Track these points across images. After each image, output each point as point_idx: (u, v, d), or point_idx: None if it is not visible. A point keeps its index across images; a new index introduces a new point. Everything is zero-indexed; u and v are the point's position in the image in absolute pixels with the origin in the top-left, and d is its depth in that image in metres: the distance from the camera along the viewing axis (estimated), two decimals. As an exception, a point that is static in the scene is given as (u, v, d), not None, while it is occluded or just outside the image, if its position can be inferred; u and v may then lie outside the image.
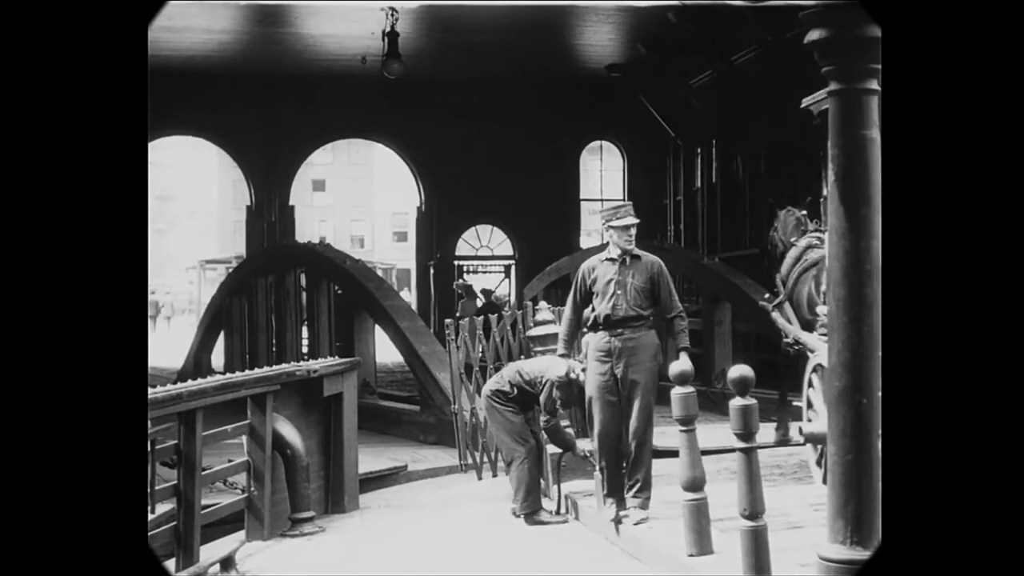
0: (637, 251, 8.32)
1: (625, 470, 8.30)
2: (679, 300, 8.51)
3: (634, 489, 8.24)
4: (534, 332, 10.49)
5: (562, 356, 8.62)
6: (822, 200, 8.54)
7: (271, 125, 26.35)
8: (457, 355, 11.87)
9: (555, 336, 10.19)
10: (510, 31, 21.00)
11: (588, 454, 9.04)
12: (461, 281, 24.14)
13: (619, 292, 8.19)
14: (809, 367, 8.80)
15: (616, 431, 8.20)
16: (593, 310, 8.26)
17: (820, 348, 8.35)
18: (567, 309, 8.55)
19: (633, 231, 8.30)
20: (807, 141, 18.22)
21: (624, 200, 8.03)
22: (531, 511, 9.16)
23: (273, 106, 26.04)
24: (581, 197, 29.27)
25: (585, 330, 8.95)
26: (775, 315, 10.11)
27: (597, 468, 8.52)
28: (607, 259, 8.32)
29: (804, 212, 10.93)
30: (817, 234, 9.84)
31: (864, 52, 5.36)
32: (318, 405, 10.66)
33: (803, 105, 8.99)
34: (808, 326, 9.65)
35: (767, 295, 10.81)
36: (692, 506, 7.15)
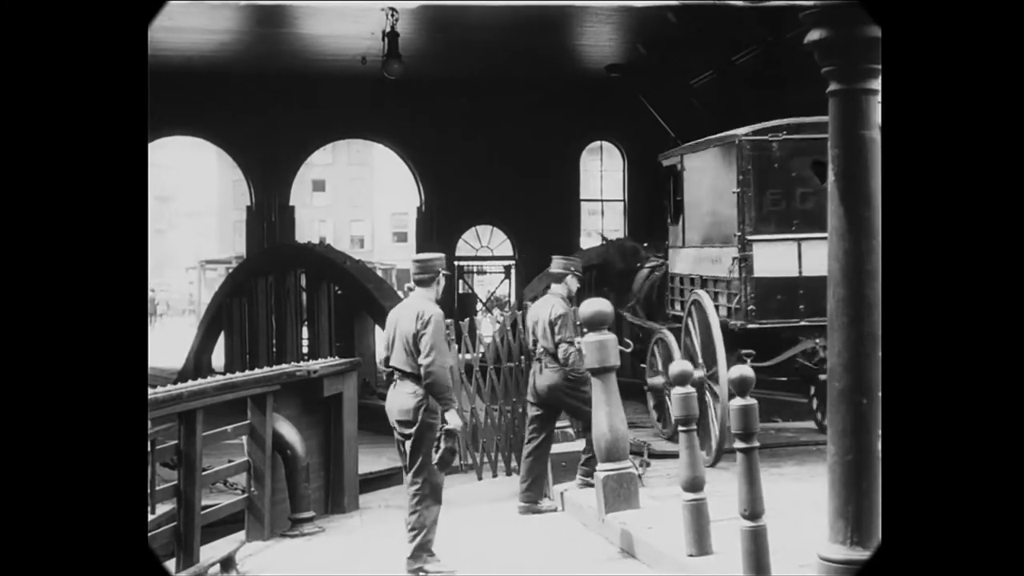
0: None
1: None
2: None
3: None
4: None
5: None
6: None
7: (271, 125, 26.32)
8: (457, 355, 11.86)
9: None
10: (510, 31, 20.98)
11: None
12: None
13: None
14: (653, 340, 11.36)
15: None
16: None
17: (661, 329, 11.56)
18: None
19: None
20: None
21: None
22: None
23: (273, 106, 26.02)
24: (581, 197, 29.25)
25: (585, 330, 8.99)
26: (628, 315, 13.44)
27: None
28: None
29: (645, 244, 15.96)
30: (654, 261, 14.46)
31: (864, 52, 5.37)
32: (318, 405, 10.67)
33: (659, 159, 12.00)
34: (653, 318, 13.45)
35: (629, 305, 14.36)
36: (692, 506, 7.16)
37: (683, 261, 12.70)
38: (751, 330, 10.89)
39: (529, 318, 10.03)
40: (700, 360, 10.69)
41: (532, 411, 9.84)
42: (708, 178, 12.25)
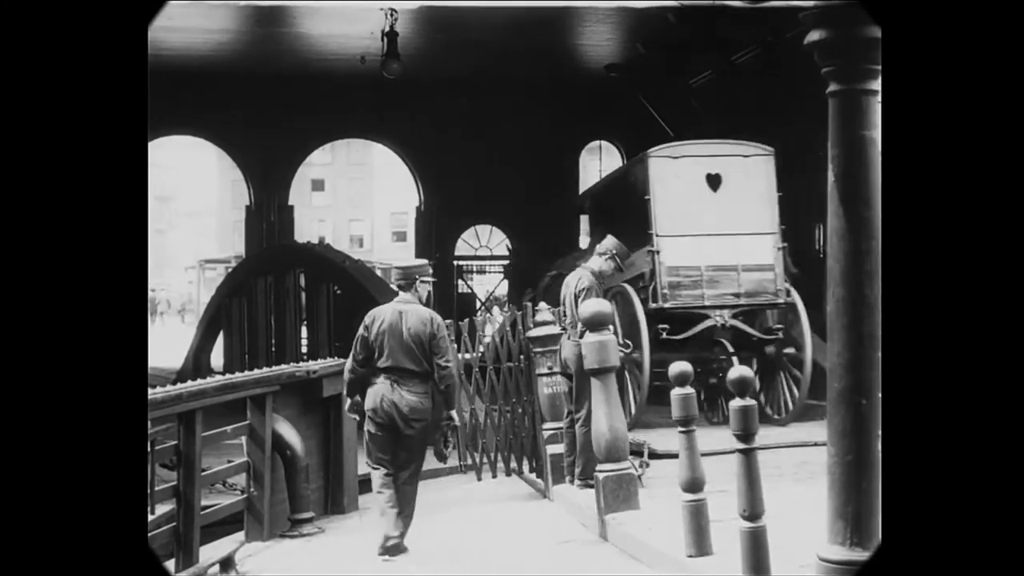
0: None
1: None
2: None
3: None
4: (534, 333, 10.50)
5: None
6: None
7: (271, 125, 26.31)
8: (457, 355, 11.86)
9: (555, 337, 10.25)
10: (509, 31, 20.96)
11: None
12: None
13: None
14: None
15: None
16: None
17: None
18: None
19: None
20: (807, 141, 18.24)
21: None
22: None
23: (272, 106, 26.01)
24: (581, 197, 29.27)
25: (583, 330, 8.99)
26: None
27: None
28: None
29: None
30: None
31: (864, 52, 5.36)
32: (318, 406, 10.66)
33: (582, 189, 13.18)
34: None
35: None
36: (692, 506, 7.15)
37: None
38: (666, 311, 13.44)
39: (563, 289, 10.18)
40: (622, 341, 11.74)
41: (564, 386, 10.05)
42: (625, 192, 14.84)
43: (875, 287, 5.36)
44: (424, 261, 8.94)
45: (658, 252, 13.54)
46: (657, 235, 13.58)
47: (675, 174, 13.85)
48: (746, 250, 13.73)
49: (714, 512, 7.21)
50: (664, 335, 13.34)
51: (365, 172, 72.35)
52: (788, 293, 13.86)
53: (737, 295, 13.69)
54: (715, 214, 13.81)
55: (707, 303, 13.58)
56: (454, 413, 8.56)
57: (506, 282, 29.02)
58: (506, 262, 29.00)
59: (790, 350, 13.79)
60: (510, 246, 28.11)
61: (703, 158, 14.05)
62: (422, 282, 8.59)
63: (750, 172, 14.19)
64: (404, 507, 8.33)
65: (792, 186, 22.00)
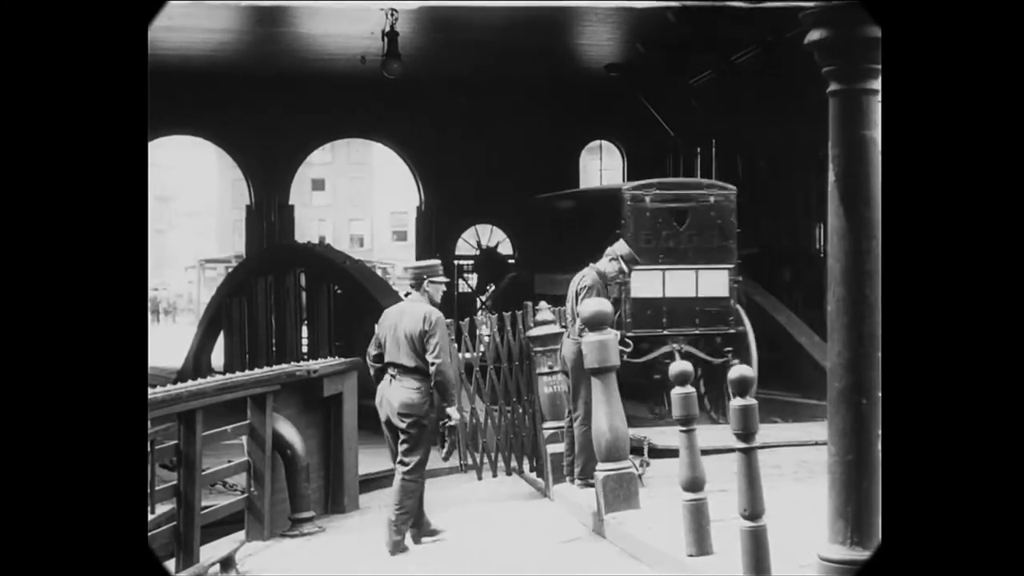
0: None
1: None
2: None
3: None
4: (534, 332, 10.49)
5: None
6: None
7: (271, 125, 26.30)
8: (457, 355, 11.86)
9: (555, 336, 10.24)
10: (509, 31, 20.96)
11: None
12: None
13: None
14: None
15: None
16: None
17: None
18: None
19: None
20: (807, 141, 18.24)
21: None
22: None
23: (273, 106, 26.00)
24: (581, 197, 29.24)
25: (585, 329, 8.98)
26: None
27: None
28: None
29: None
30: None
31: (864, 52, 5.36)
32: (318, 405, 10.66)
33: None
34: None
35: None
36: (692, 506, 7.15)
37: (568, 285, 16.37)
38: (630, 337, 13.56)
39: (569, 288, 10.20)
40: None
41: (564, 385, 10.06)
42: (592, 214, 16.52)
43: (875, 287, 5.36)
44: (436, 261, 9.06)
45: (627, 283, 14.75)
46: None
47: (645, 210, 15.53)
48: (705, 283, 15.31)
49: (714, 511, 7.21)
50: (625, 357, 13.96)
51: (365, 172, 72.35)
52: (740, 322, 15.52)
53: (695, 324, 15.19)
54: (679, 248, 15.58)
55: (666, 332, 15.25)
56: (451, 411, 8.61)
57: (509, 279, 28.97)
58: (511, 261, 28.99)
59: (735, 361, 14.69)
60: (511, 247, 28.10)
61: (671, 196, 15.82)
62: (431, 282, 8.70)
63: (713, 210, 15.81)
64: (400, 501, 8.48)
65: (792, 186, 22.05)
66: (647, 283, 15.22)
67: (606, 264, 10.18)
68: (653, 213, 15.49)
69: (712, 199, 15.88)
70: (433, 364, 8.34)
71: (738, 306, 15.69)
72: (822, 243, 19.80)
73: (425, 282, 8.67)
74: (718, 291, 15.45)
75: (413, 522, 8.66)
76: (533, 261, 20.15)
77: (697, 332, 15.34)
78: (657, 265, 15.14)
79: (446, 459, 8.61)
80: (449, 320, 9.92)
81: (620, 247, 10.31)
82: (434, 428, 8.66)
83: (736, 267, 15.73)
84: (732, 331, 15.39)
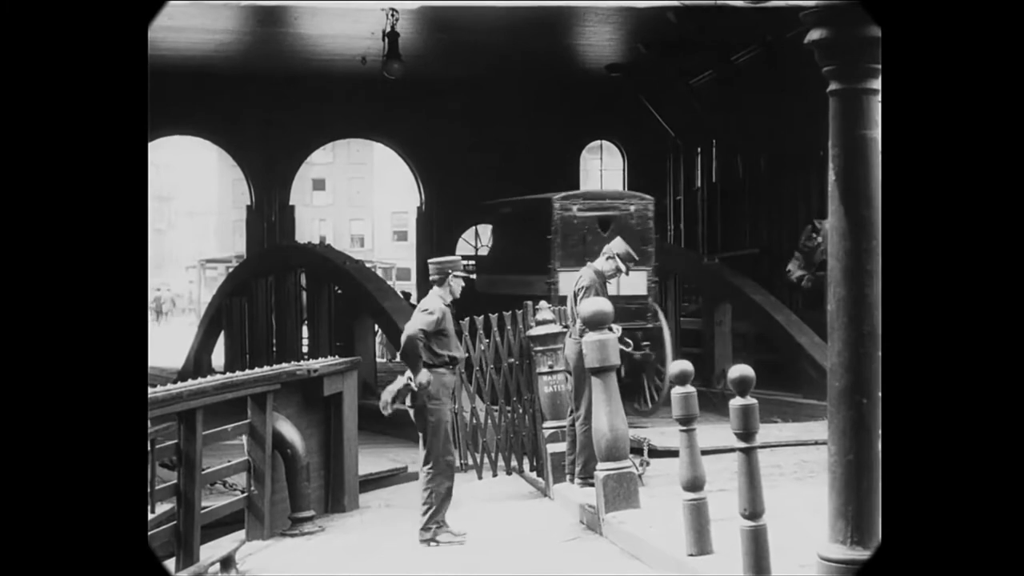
0: None
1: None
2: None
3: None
4: (534, 332, 10.49)
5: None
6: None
7: (271, 125, 26.31)
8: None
9: (555, 336, 10.25)
10: (510, 31, 20.97)
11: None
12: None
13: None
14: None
15: None
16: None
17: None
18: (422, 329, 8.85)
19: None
20: (807, 141, 18.25)
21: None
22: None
23: (273, 106, 26.01)
24: (581, 197, 29.22)
25: (586, 327, 8.99)
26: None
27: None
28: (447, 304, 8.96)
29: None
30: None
31: (864, 52, 5.36)
32: (318, 405, 10.66)
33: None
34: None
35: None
36: (692, 506, 7.15)
37: (507, 285, 18.01)
38: None
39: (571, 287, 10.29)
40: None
41: (565, 384, 10.10)
42: (529, 223, 17.95)
43: (875, 286, 5.36)
44: (457, 257, 9.20)
45: (555, 283, 16.72)
46: (555, 269, 16.95)
47: (573, 218, 17.33)
48: (626, 283, 16.19)
49: (715, 511, 7.21)
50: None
51: (366, 172, 72.35)
52: (656, 318, 16.96)
53: (617, 319, 16.11)
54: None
55: None
56: (410, 377, 8.65)
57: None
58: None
59: (653, 355, 16.52)
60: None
61: (596, 205, 17.62)
62: (455, 277, 8.89)
63: (633, 218, 17.50)
64: (420, 491, 8.71)
65: (793, 186, 22.05)
66: (574, 283, 16.15)
67: (603, 263, 10.19)
68: (580, 221, 17.29)
69: (632, 208, 17.59)
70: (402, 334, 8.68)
71: (655, 304, 17.26)
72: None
73: (450, 276, 8.85)
74: (638, 290, 16.74)
75: (439, 516, 8.71)
76: (477, 262, 21.51)
77: (619, 327, 16.30)
78: (583, 266, 16.30)
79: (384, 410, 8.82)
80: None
81: (617, 245, 10.32)
82: (433, 417, 8.74)
83: (653, 269, 17.29)
84: (650, 326, 16.79)
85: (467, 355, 10.92)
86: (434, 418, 8.69)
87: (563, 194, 17.76)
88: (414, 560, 8.43)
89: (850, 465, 5.41)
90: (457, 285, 8.93)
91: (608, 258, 10.20)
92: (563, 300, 15.99)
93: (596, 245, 16.31)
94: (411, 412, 8.78)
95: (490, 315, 11.28)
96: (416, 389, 8.64)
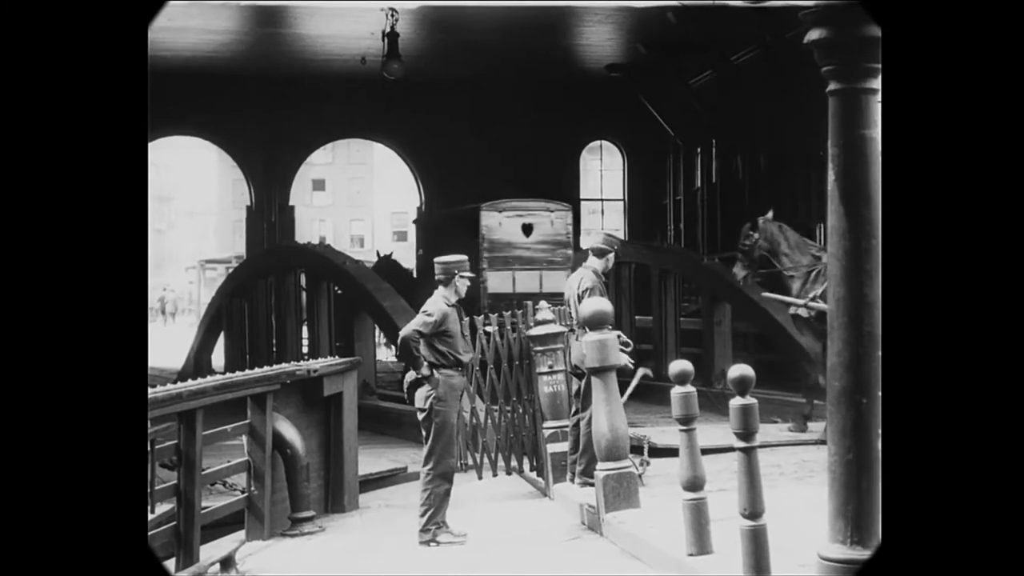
0: None
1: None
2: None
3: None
4: (534, 332, 10.49)
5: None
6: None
7: (271, 125, 26.31)
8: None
9: (555, 336, 10.24)
10: (510, 31, 20.98)
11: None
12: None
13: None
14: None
15: None
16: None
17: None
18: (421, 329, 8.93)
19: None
20: (807, 141, 18.25)
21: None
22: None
23: (273, 106, 26.01)
24: (581, 197, 29.24)
25: (586, 328, 8.98)
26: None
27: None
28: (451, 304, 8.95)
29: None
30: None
31: (864, 52, 5.36)
32: (318, 405, 10.66)
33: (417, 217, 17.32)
34: None
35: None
36: (692, 506, 7.15)
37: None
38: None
39: (566, 289, 10.19)
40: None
41: (574, 384, 10.00)
42: (458, 229, 20.12)
43: (875, 286, 5.36)
44: (463, 257, 9.17)
45: (484, 281, 19.04)
46: (484, 269, 19.20)
47: (499, 223, 19.72)
48: (547, 282, 19.07)
49: (715, 511, 7.21)
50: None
51: (366, 172, 72.37)
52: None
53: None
54: (526, 255, 19.85)
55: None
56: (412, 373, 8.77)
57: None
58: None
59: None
60: None
61: (520, 211, 19.93)
62: (461, 277, 8.91)
63: (554, 223, 20.03)
64: (420, 492, 8.75)
65: (792, 186, 22.04)
66: (501, 281, 19.57)
67: (597, 262, 10.10)
68: (505, 226, 19.72)
69: (552, 215, 20.01)
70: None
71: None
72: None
73: (456, 276, 8.88)
74: (557, 288, 17.78)
75: (439, 518, 8.71)
76: (418, 267, 23.06)
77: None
78: (509, 268, 19.64)
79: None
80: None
81: (595, 238, 10.26)
82: (440, 419, 8.74)
83: (570, 270, 18.05)
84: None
85: (480, 356, 10.93)
86: (439, 419, 8.68)
87: (490, 203, 20.02)
88: (414, 560, 8.43)
89: (850, 465, 5.41)
90: (463, 285, 8.93)
91: (612, 254, 10.10)
92: (494, 298, 17.70)
93: (520, 248, 19.77)
94: (418, 414, 8.80)
95: (490, 315, 11.28)
96: (414, 381, 8.74)
